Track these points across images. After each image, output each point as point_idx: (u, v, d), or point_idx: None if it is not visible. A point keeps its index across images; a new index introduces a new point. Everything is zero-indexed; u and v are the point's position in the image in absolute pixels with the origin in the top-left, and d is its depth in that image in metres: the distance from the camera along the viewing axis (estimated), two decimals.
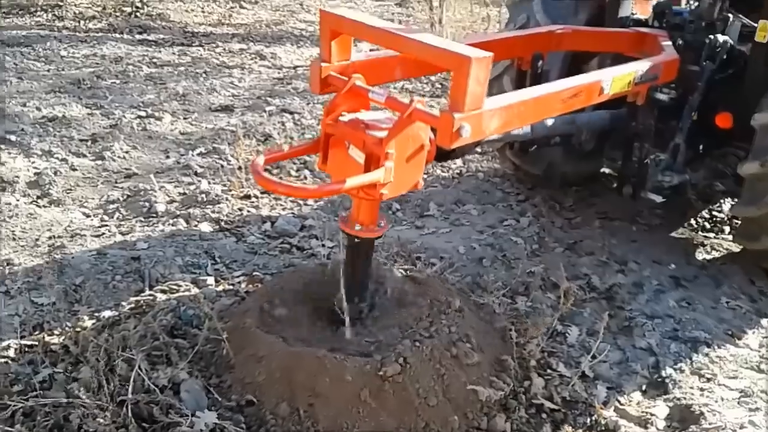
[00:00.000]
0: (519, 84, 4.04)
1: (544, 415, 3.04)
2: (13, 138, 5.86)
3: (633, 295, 4.09)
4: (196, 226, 4.60)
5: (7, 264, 3.98)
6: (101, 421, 2.67)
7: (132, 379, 2.85)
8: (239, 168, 5.34)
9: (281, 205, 5.01)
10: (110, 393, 2.81)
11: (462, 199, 5.23)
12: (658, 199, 4.20)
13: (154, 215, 4.76)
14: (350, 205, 2.92)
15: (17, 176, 5.18)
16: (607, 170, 5.51)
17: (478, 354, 3.04)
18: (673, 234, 4.96)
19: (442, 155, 2.90)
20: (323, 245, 4.43)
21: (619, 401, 3.20)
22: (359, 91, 2.79)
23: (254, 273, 3.99)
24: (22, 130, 6.10)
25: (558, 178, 5.21)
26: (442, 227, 4.80)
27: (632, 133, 4.13)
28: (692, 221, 5.11)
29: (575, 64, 4.51)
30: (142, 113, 6.75)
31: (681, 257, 4.58)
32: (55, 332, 3.34)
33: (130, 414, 2.72)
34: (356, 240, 2.90)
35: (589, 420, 3.07)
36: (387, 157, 2.56)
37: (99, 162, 5.62)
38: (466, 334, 3.09)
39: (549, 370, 3.30)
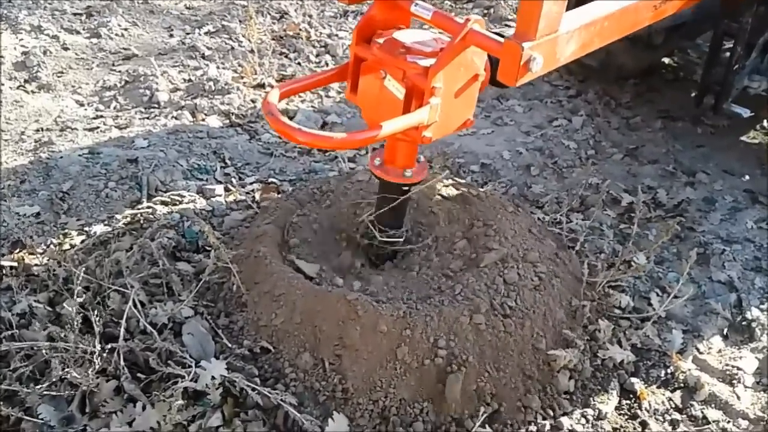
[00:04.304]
0: None
1: (611, 367, 2.57)
2: None
3: (705, 213, 3.55)
4: (203, 120, 4.02)
5: None
6: (89, 371, 2.23)
7: (125, 317, 2.39)
8: (251, 51, 4.69)
9: (300, 96, 4.40)
10: (100, 333, 2.35)
11: (505, 94, 4.58)
12: (745, 113, 3.60)
13: (156, 105, 4.18)
14: None
15: (2, 56, 4.57)
16: (666, 61, 4.85)
17: (559, 311, 2.54)
18: (744, 138, 4.33)
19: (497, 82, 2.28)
20: None
21: (697, 349, 2.72)
22: (400, 2, 2.16)
23: (270, 180, 3.47)
24: (9, 1, 5.43)
25: (615, 69, 4.53)
26: (483, 127, 4.20)
27: (722, 32, 3.47)
28: (765, 123, 4.46)
29: None
30: None
31: (755, 167, 3.98)
32: (38, 250, 2.86)
33: (122, 362, 2.28)
34: (386, 183, 2.38)
35: (663, 372, 2.61)
36: (433, 93, 1.99)
37: (94, 41, 4.98)
38: (558, 291, 2.59)
39: (616, 310, 2.82)
